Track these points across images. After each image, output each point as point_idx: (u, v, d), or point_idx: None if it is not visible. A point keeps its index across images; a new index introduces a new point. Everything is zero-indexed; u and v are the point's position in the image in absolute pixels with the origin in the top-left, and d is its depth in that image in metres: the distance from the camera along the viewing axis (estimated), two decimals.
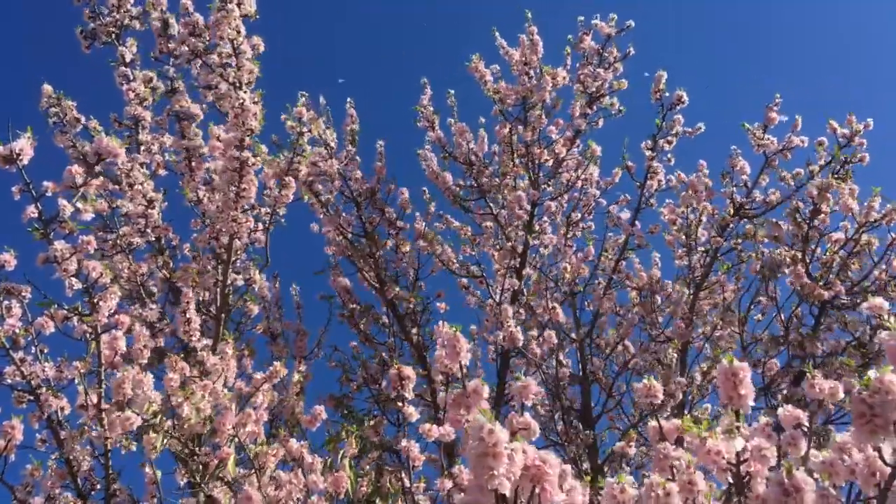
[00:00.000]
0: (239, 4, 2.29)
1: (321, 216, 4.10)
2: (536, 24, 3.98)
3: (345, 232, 4.09)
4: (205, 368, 2.66)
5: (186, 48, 2.47)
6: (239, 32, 2.32)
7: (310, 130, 3.16)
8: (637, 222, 4.21)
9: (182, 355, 2.70)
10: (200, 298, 3.29)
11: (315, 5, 11.30)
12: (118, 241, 2.99)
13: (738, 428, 1.36)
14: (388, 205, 4.20)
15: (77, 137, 2.58)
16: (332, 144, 4.07)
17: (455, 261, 4.39)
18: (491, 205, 4.17)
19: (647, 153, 4.10)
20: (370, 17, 11.27)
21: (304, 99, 4.09)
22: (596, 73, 4.01)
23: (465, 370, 1.53)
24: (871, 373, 1.20)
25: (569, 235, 4.36)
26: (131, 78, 3.15)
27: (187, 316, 2.76)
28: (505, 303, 3.99)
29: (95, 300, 2.31)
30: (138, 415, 2.30)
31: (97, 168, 2.18)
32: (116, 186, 2.95)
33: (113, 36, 3.18)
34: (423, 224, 4.41)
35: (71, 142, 2.57)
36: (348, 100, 4.24)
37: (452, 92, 4.24)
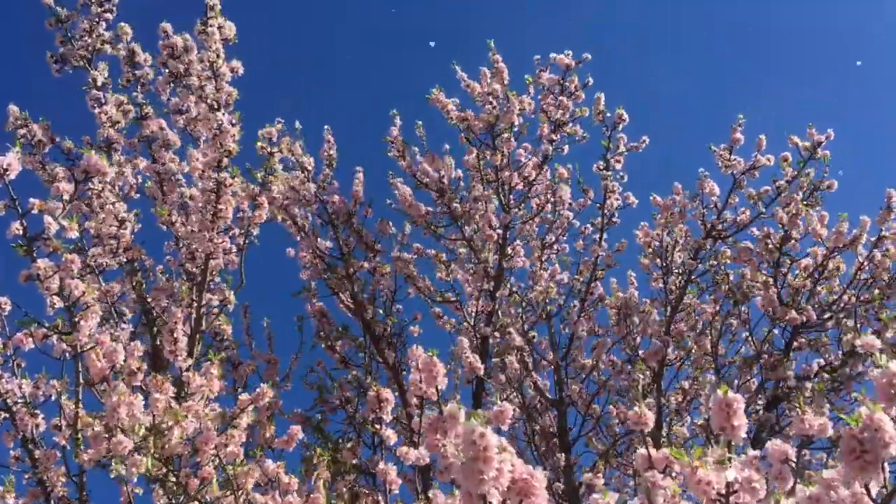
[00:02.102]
0: (220, 28, 2.30)
1: (298, 239, 4.10)
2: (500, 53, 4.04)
3: (321, 254, 4.08)
4: (189, 389, 2.62)
5: (167, 70, 2.46)
6: (219, 55, 2.33)
7: (280, 151, 3.17)
8: (604, 242, 4.28)
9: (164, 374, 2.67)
10: (183, 305, 3.26)
11: (291, 34, 11.38)
12: (88, 262, 2.95)
13: (729, 459, 1.37)
14: (364, 227, 4.23)
15: (46, 159, 2.56)
16: (309, 168, 4.09)
17: (431, 287, 4.40)
18: (464, 229, 4.19)
19: (602, 173, 4.19)
20: (346, 43, 11.38)
21: (280, 124, 4.19)
22: (559, 102, 4.06)
23: (440, 394, 1.53)
24: (863, 409, 1.22)
25: (543, 258, 4.39)
26: (103, 101, 3.14)
27: (174, 336, 2.71)
28: (480, 324, 4.01)
29: (77, 319, 2.29)
30: (129, 437, 2.26)
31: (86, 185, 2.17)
32: (87, 208, 2.93)
33: (84, 60, 3.19)
34: (398, 249, 4.41)
35: (40, 163, 2.55)
36: (326, 127, 4.29)
37: (420, 123, 4.29)
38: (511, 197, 4.16)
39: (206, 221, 2.75)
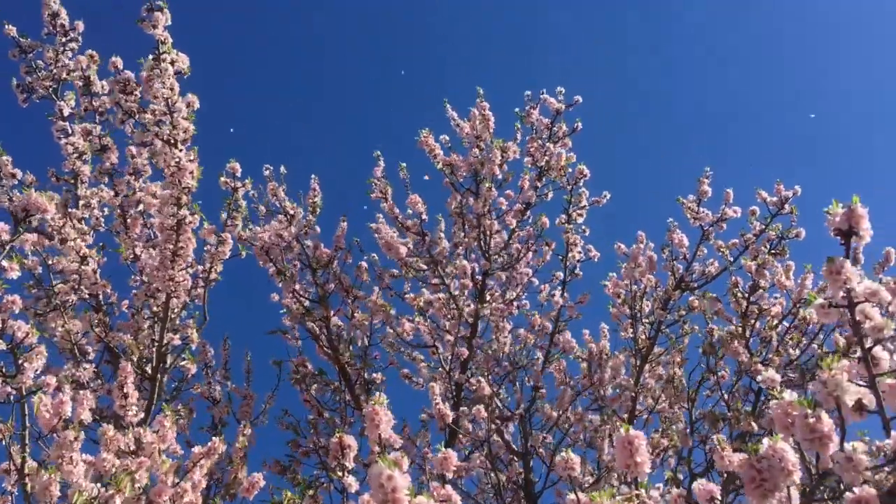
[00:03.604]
0: (172, 62, 2.37)
1: (279, 283, 4.12)
2: (489, 97, 4.13)
3: (300, 298, 4.10)
4: (142, 444, 2.59)
5: (119, 107, 2.52)
6: (173, 90, 2.39)
7: (244, 185, 3.22)
8: (566, 294, 4.29)
9: (114, 422, 2.64)
10: (134, 357, 3.25)
11: (273, 73, 11.69)
12: (52, 299, 2.96)
13: (637, 496, 1.40)
14: (344, 273, 4.26)
15: (13, 192, 2.59)
16: (291, 213, 4.14)
17: (408, 333, 4.40)
18: (442, 273, 4.21)
19: (565, 226, 4.23)
20: (330, 86, 11.67)
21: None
22: (545, 148, 4.13)
23: (385, 442, 1.54)
24: (765, 440, 1.30)
25: (505, 315, 4.40)
26: (70, 132, 3.15)
27: (125, 391, 2.69)
28: (455, 371, 4.00)
29: (20, 361, 2.27)
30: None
31: (30, 224, 2.19)
32: (50, 242, 2.94)
33: (51, 90, 3.20)
34: (378, 293, 4.43)
35: (7, 196, 2.59)
36: (313, 176, 4.35)
37: (404, 165, 4.33)
38: (491, 244, 4.19)
39: (165, 259, 2.77)
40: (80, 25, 3.32)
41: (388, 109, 11.73)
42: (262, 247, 4.01)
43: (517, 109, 4.18)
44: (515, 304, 4.44)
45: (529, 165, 4.18)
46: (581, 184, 4.19)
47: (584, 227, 4.27)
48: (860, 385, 1.28)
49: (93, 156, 3.13)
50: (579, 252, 4.25)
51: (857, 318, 1.32)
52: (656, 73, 11.86)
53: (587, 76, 11.74)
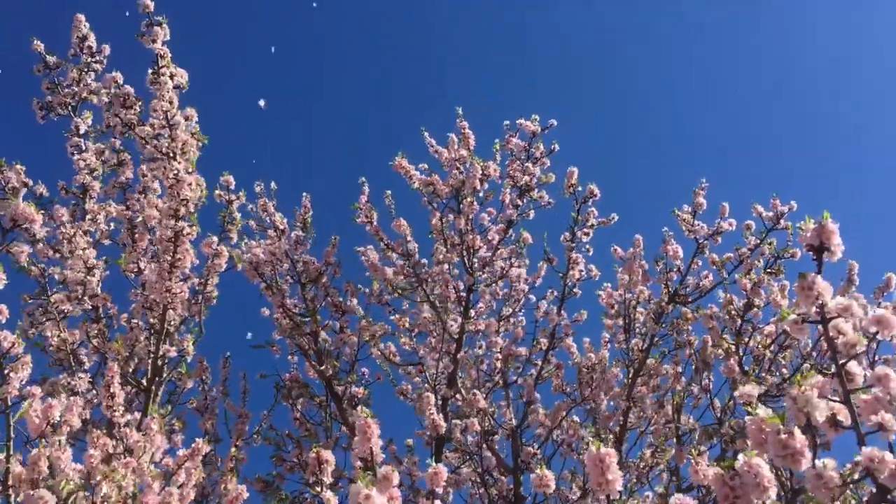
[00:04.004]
0: (171, 76, 2.42)
1: (268, 298, 4.15)
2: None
3: (289, 312, 4.13)
4: (128, 445, 2.61)
5: (119, 120, 2.58)
6: (171, 103, 2.45)
7: (238, 198, 3.26)
8: (563, 312, 4.28)
9: (106, 429, 2.66)
10: (131, 369, 3.27)
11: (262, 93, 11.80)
12: (49, 308, 2.99)
13: None
14: (333, 288, 4.29)
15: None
16: (282, 227, 4.19)
17: (394, 353, 4.43)
18: (428, 293, 4.23)
19: (567, 244, 4.24)
20: (316, 108, 11.78)
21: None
22: (525, 168, 4.16)
23: (376, 456, 1.55)
24: (740, 456, 1.30)
25: (500, 331, 4.40)
26: (83, 148, 3.25)
27: (111, 390, 2.72)
28: (441, 386, 4.02)
29: (6, 371, 2.27)
30: (53, 493, 2.23)
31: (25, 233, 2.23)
32: (56, 253, 2.99)
33: (69, 108, 3.29)
34: (366, 312, 4.45)
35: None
36: (304, 194, 4.40)
37: (390, 192, 4.35)
38: (475, 260, 4.20)
39: (163, 271, 2.80)
40: (107, 49, 3.43)
41: (387, 110, 11.85)
42: (251, 263, 4.04)
43: (496, 140, 4.22)
44: (512, 319, 4.46)
45: (509, 187, 4.20)
46: (590, 203, 4.19)
47: (588, 246, 4.26)
48: (833, 401, 1.29)
49: (109, 170, 3.24)
50: (581, 271, 4.25)
51: (830, 334, 1.34)
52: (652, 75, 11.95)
53: (588, 74, 11.85)
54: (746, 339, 3.96)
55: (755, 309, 3.97)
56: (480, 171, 4.00)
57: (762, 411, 1.30)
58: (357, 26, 11.34)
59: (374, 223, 4.26)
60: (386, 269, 4.32)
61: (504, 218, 4.22)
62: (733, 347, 3.96)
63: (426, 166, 4.22)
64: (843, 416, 1.29)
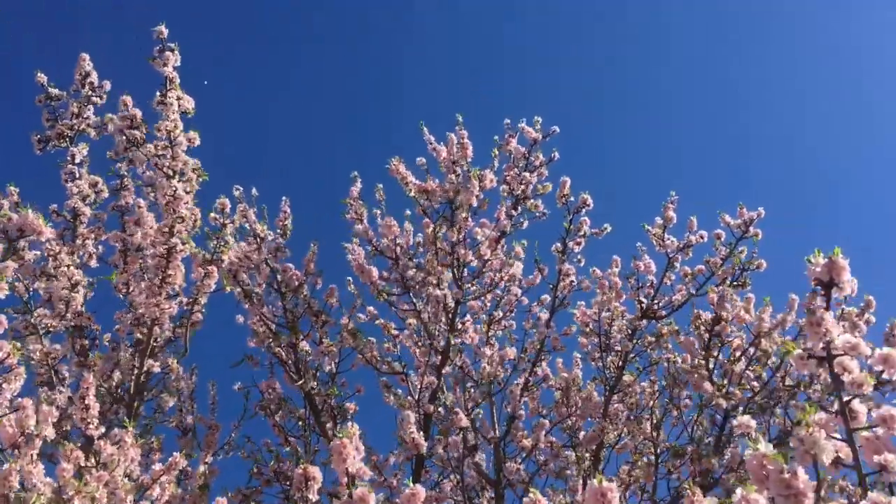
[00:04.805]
0: (178, 98, 2.44)
1: (246, 306, 4.07)
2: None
3: (268, 322, 4.07)
4: (101, 459, 2.59)
5: (124, 138, 2.59)
6: (176, 125, 2.46)
7: (233, 222, 3.24)
8: (552, 324, 4.28)
9: (82, 443, 2.64)
10: (114, 383, 3.25)
11: (251, 100, 11.69)
12: (31, 322, 2.96)
13: None
14: (313, 298, 4.21)
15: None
16: (262, 236, 4.11)
17: (379, 358, 4.31)
18: (415, 300, 4.18)
19: (558, 255, 4.24)
20: (304, 109, 11.71)
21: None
22: (522, 177, 4.10)
23: (352, 475, 1.55)
24: (739, 491, 1.27)
25: (490, 334, 4.40)
26: (77, 176, 3.31)
27: (85, 402, 2.69)
28: (424, 401, 3.99)
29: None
30: None
31: (20, 244, 2.20)
32: (41, 270, 2.97)
33: (67, 139, 3.36)
34: (349, 318, 4.36)
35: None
36: (284, 198, 4.31)
37: (381, 186, 4.25)
38: (465, 272, 4.14)
39: (153, 286, 2.79)
40: (108, 84, 3.52)
41: (388, 110, 11.84)
42: (228, 268, 3.92)
43: (496, 137, 4.15)
44: (503, 323, 4.44)
45: (505, 194, 4.15)
46: (583, 213, 4.18)
47: (579, 256, 4.26)
48: (836, 438, 1.30)
49: (102, 201, 3.33)
50: (571, 282, 4.25)
51: (836, 371, 1.35)
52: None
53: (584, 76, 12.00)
54: (716, 353, 4.04)
55: (723, 322, 4.04)
56: (477, 186, 3.91)
57: (763, 446, 1.27)
58: (357, 26, 11.30)
59: (365, 222, 4.15)
60: (372, 270, 4.18)
61: (497, 228, 4.14)
62: (703, 362, 4.04)
63: (423, 161, 4.09)
64: (845, 455, 1.31)
